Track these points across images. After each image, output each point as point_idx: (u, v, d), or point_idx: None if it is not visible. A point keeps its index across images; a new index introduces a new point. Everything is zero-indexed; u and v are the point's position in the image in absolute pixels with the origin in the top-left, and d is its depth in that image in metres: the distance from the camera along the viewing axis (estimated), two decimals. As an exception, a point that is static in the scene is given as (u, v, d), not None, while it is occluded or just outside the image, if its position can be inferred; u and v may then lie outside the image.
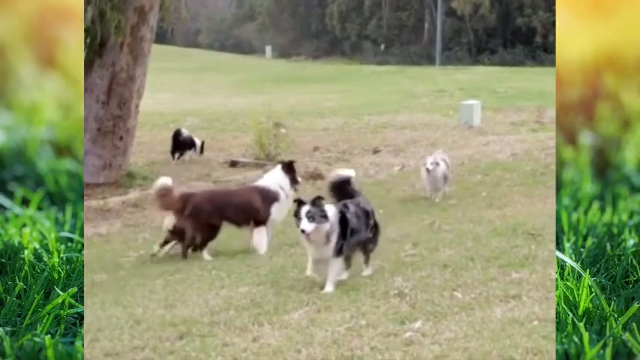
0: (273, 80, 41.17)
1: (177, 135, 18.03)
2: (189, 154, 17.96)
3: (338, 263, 6.62)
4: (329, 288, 6.48)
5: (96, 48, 14.35)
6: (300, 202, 6.58)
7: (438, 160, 11.85)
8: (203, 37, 76.78)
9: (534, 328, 5.06)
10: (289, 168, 9.27)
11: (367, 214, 6.91)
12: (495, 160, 15.87)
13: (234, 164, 17.13)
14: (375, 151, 18.51)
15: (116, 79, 14.68)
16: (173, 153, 17.91)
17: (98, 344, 5.42)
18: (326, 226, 6.50)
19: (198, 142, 18.13)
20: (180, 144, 17.93)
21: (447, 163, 12.03)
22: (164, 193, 8.93)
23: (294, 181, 9.22)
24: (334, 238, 6.57)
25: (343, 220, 6.63)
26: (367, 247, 7.01)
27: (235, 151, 18.46)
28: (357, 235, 6.75)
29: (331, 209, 6.61)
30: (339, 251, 6.59)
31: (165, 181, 9.01)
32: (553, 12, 50.68)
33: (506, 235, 8.25)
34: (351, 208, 6.76)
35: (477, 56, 57.61)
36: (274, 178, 9.21)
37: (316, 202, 6.52)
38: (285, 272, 7.35)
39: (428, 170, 11.71)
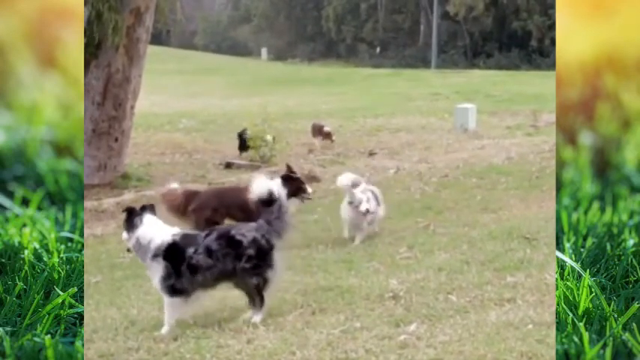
0: (268, 82, 41.20)
1: (241, 135, 18.50)
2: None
3: (169, 302, 5.78)
4: (163, 329, 5.73)
5: (92, 49, 14.36)
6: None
7: (369, 194, 9.40)
8: (199, 39, 76.66)
9: (529, 332, 5.08)
10: (288, 179, 9.13)
11: (239, 245, 5.80)
12: (490, 163, 15.88)
13: (229, 166, 17.16)
14: (371, 154, 18.54)
15: (112, 80, 14.70)
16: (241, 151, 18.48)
17: (93, 345, 5.46)
18: (130, 241, 5.90)
19: (269, 138, 18.39)
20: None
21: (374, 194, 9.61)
22: (169, 196, 9.06)
23: (296, 192, 8.86)
24: (157, 272, 5.77)
25: (174, 254, 5.77)
26: (245, 283, 5.86)
27: (230, 153, 18.48)
28: (206, 272, 5.75)
29: (158, 232, 5.86)
30: (169, 288, 5.74)
31: (173, 185, 9.24)
32: (549, 16, 50.88)
33: (501, 239, 8.26)
34: (212, 236, 5.83)
35: (473, 59, 57.63)
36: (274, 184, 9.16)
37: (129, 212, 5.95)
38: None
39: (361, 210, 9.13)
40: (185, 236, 5.89)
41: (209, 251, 5.76)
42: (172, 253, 5.74)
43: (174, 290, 5.74)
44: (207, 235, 5.85)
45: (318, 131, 20.02)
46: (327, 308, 6.01)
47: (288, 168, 9.13)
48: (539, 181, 12.99)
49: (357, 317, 5.71)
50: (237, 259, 5.78)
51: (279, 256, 5.94)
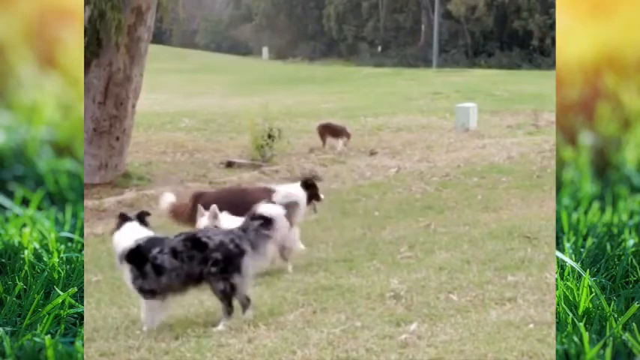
0: (269, 81, 41.15)
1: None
2: None
3: (146, 304, 5.83)
4: (144, 327, 5.82)
5: (93, 48, 14.35)
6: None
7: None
8: (200, 38, 76.63)
9: (530, 331, 5.08)
10: (308, 185, 9.06)
11: (204, 247, 5.72)
12: (491, 162, 15.89)
13: (230, 165, 17.14)
14: (372, 153, 18.51)
15: (113, 79, 14.68)
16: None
17: (94, 344, 5.45)
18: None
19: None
20: None
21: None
22: (174, 208, 8.96)
23: (312, 198, 8.69)
24: (127, 276, 5.84)
25: (137, 256, 5.77)
26: (212, 288, 5.78)
27: (231, 152, 18.47)
28: (171, 273, 5.71)
29: (124, 236, 5.90)
30: (139, 290, 5.81)
31: (169, 197, 9.07)
32: (550, 15, 50.80)
33: (502, 238, 8.27)
34: (179, 238, 5.81)
35: (474, 59, 57.57)
36: (290, 188, 9.06)
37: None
38: (280, 274, 7.38)
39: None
40: (151, 239, 5.84)
41: (174, 252, 5.71)
42: (135, 256, 5.75)
43: (143, 291, 5.79)
44: (175, 237, 5.84)
45: (336, 132, 19.71)
46: (327, 307, 6.02)
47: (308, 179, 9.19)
48: (540, 181, 13.00)
49: (357, 316, 5.71)
50: (203, 263, 5.71)
51: (251, 263, 5.81)
